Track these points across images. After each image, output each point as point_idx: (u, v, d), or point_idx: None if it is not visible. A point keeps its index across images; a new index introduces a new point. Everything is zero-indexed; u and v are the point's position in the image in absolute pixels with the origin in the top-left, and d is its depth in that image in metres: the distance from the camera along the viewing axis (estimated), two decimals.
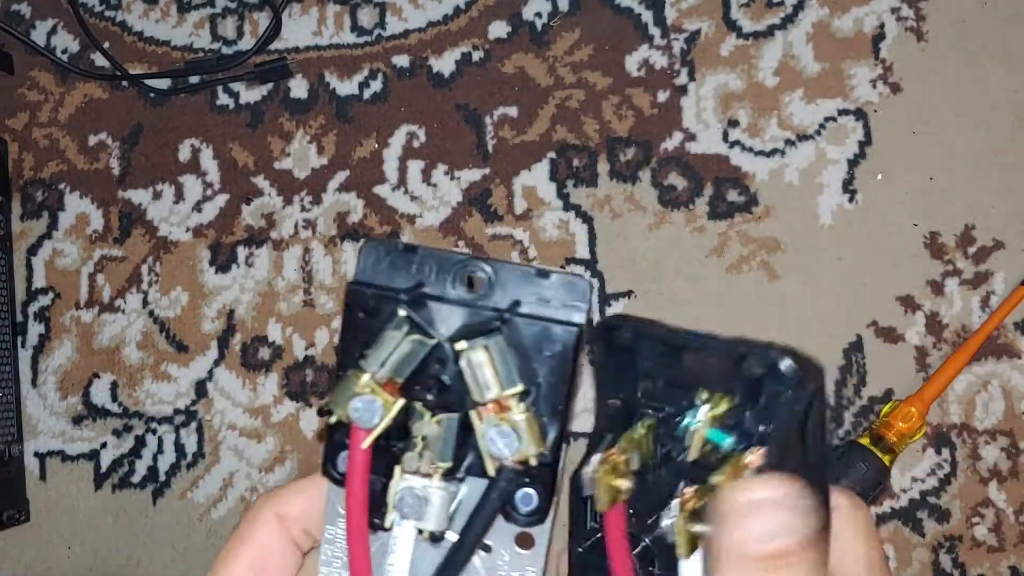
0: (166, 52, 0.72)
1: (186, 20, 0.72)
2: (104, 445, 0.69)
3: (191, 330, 0.69)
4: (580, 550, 0.28)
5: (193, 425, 0.68)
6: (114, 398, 0.69)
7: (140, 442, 0.69)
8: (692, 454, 0.25)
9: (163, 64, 0.71)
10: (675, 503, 0.26)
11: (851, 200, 0.62)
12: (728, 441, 0.25)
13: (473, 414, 0.25)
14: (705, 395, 0.25)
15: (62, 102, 0.72)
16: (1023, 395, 0.60)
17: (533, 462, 0.25)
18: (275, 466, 0.67)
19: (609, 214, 0.65)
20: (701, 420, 0.25)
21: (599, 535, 0.28)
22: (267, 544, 0.29)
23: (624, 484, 0.25)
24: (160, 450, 0.68)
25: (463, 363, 0.25)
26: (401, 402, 0.25)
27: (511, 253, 0.65)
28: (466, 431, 0.26)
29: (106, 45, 0.72)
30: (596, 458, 0.25)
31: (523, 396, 0.26)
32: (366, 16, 0.69)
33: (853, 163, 0.63)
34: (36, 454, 0.70)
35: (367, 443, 0.25)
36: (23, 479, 0.69)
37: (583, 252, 0.65)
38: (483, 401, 0.25)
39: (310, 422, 0.67)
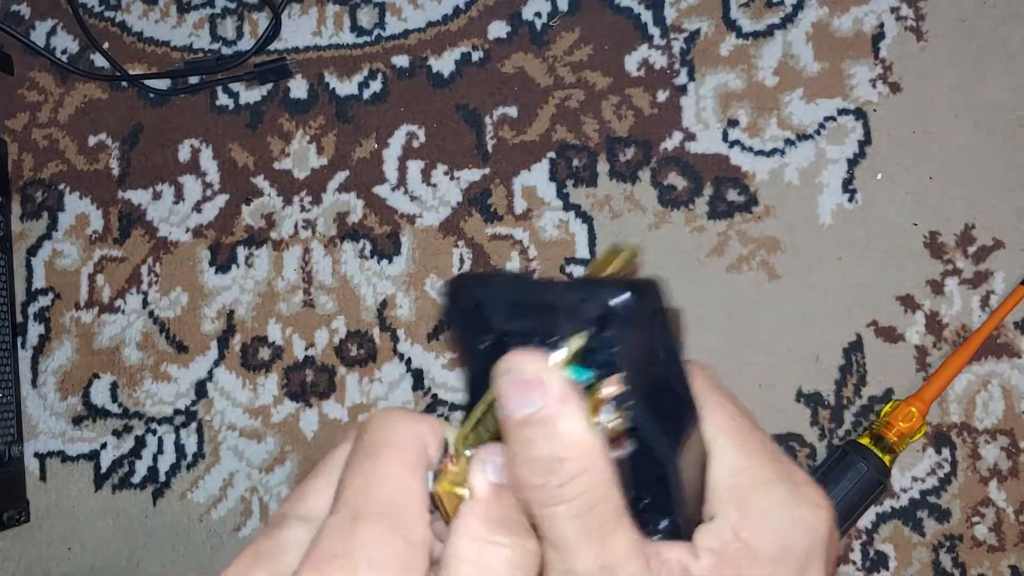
0: (166, 52, 0.71)
1: (186, 20, 0.72)
2: (104, 446, 0.69)
3: (191, 330, 0.69)
4: None
5: (193, 425, 0.68)
6: (114, 398, 0.69)
7: (140, 442, 0.69)
8: None
9: (163, 64, 0.71)
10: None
11: (851, 200, 0.62)
12: (588, 375, 0.25)
13: None
14: (555, 338, 0.26)
15: (62, 103, 0.72)
16: (1023, 395, 0.60)
17: None
18: (275, 466, 0.67)
19: (609, 214, 0.65)
20: (557, 362, 0.25)
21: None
22: (424, 458, 0.26)
23: (465, 491, 0.25)
24: (160, 450, 0.68)
25: None
26: None
27: (511, 253, 0.65)
28: None
29: (106, 45, 0.72)
30: (429, 475, 0.25)
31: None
32: (366, 16, 0.69)
33: (853, 163, 0.63)
34: (36, 455, 0.70)
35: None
36: (23, 480, 0.69)
37: (583, 252, 0.65)
38: None
39: (310, 422, 0.66)
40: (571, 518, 0.24)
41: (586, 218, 0.65)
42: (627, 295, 0.25)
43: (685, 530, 0.27)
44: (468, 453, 0.26)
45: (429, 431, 0.26)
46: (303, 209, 0.68)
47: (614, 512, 0.24)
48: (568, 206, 0.65)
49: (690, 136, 0.64)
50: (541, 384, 0.24)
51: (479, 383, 0.27)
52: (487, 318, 0.27)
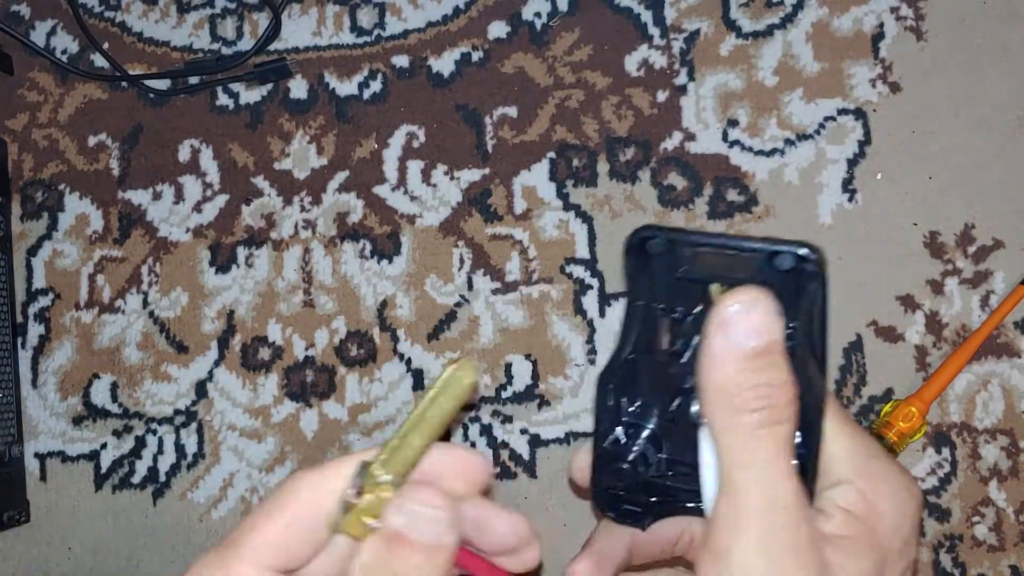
0: (166, 53, 0.72)
1: (186, 21, 0.72)
2: (104, 446, 0.69)
3: (191, 330, 0.69)
4: (605, 446, 0.32)
5: (193, 426, 0.68)
6: (114, 399, 0.69)
7: (140, 443, 0.69)
8: None
9: (163, 65, 0.71)
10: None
11: (851, 200, 0.62)
12: None
13: None
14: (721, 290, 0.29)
15: (62, 103, 0.72)
16: (1023, 394, 0.60)
17: None
18: (275, 466, 0.67)
19: (609, 214, 0.65)
20: None
21: (622, 431, 0.32)
22: (302, 514, 0.28)
23: (376, 523, 0.27)
24: (160, 451, 0.68)
25: None
26: None
27: (511, 253, 0.65)
28: None
29: (105, 46, 0.72)
30: (338, 508, 0.28)
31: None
32: (366, 16, 0.69)
33: (853, 163, 0.63)
34: (36, 455, 0.70)
35: None
36: (23, 480, 0.69)
37: (583, 252, 0.65)
38: None
39: (310, 422, 0.66)
40: (785, 439, 0.27)
41: (586, 218, 0.65)
42: (815, 253, 0.28)
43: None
44: (387, 477, 0.27)
45: (324, 475, 0.28)
46: (303, 209, 0.68)
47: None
48: (568, 206, 0.65)
49: (690, 136, 0.64)
50: (776, 319, 0.27)
51: (625, 333, 0.31)
52: (669, 265, 0.30)
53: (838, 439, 0.30)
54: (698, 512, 0.31)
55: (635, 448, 0.32)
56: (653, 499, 0.33)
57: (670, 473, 0.32)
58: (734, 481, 0.27)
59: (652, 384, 0.31)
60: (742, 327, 0.27)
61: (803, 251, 0.28)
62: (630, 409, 0.32)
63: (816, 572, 0.27)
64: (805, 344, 0.29)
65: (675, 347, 0.31)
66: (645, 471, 0.32)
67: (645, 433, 0.32)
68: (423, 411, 0.29)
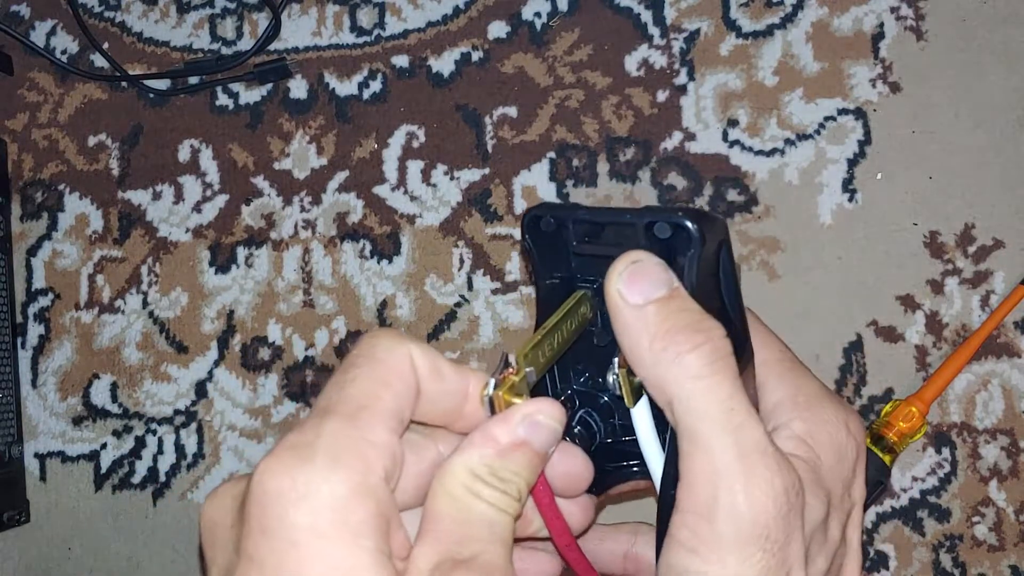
0: (165, 53, 0.72)
1: (185, 21, 0.72)
2: (104, 446, 0.69)
3: (191, 331, 0.69)
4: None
5: (193, 426, 0.68)
6: (114, 399, 0.69)
7: (140, 443, 0.69)
8: None
9: (162, 65, 0.71)
10: (615, 360, 0.29)
11: (851, 200, 0.62)
12: None
13: None
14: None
15: (61, 103, 0.72)
16: (1023, 394, 0.60)
17: None
18: None
19: None
20: None
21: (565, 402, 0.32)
22: (408, 382, 0.26)
23: (520, 400, 0.28)
24: (160, 451, 0.68)
25: None
26: None
27: (511, 253, 0.65)
28: None
29: (105, 46, 0.72)
30: (491, 382, 0.28)
31: None
32: (365, 16, 0.69)
33: (853, 163, 0.63)
34: (36, 455, 0.70)
35: None
36: (23, 480, 0.69)
37: None
38: None
39: None
40: (735, 374, 0.26)
41: None
42: (695, 224, 0.28)
43: None
44: (529, 369, 0.28)
45: (417, 351, 0.27)
46: (303, 209, 0.68)
47: None
48: None
49: (690, 136, 0.64)
50: (667, 270, 0.27)
51: (543, 312, 0.31)
52: (564, 241, 0.30)
53: (783, 384, 0.31)
54: (649, 476, 0.32)
55: (578, 418, 0.32)
56: (606, 466, 0.33)
57: (624, 439, 0.32)
58: (698, 434, 0.25)
59: (586, 356, 0.31)
60: (646, 280, 0.27)
61: (677, 220, 0.28)
62: (579, 380, 0.32)
63: (797, 517, 0.26)
64: (705, 308, 0.29)
65: (598, 318, 0.31)
66: (592, 439, 0.32)
67: (594, 402, 0.32)
68: (555, 325, 0.30)
